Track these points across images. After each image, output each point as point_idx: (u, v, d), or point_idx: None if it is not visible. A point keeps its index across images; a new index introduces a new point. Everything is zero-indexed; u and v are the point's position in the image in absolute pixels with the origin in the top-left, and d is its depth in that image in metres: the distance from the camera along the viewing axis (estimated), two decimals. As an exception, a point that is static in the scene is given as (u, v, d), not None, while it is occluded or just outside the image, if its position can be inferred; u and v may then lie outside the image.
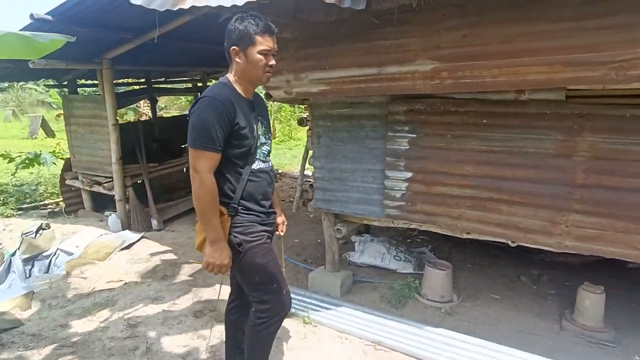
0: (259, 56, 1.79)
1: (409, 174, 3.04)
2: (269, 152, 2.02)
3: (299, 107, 19.23)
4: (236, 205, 1.85)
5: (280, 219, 2.24)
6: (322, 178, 3.47)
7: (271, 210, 2.03)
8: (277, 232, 2.19)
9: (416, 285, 3.48)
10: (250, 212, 1.89)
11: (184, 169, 6.87)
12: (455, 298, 3.36)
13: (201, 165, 1.72)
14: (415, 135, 2.98)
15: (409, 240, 4.74)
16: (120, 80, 7.23)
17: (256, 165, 1.90)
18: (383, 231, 4.87)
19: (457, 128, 2.85)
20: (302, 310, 3.14)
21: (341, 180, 3.37)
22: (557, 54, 2.19)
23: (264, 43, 1.79)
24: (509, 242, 2.82)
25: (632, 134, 2.36)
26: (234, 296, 2.25)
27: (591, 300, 2.85)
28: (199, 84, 8.02)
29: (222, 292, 2.48)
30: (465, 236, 3.03)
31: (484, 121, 2.75)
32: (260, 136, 1.93)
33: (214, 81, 9.98)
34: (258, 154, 1.91)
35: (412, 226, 3.25)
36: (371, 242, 4.17)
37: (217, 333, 2.92)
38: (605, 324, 2.86)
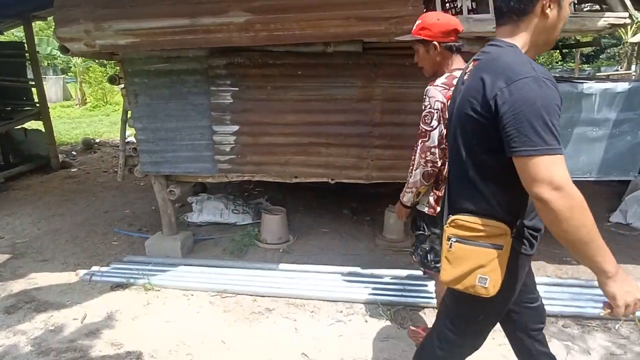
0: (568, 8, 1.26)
1: (235, 127, 3.11)
2: None
3: (112, 66, 16.88)
4: (518, 226, 1.29)
5: None
6: (147, 140, 3.25)
7: None
8: None
9: (255, 233, 3.69)
10: (530, 237, 1.33)
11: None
12: (291, 238, 3.70)
13: (562, 175, 1.10)
14: (237, 89, 3.04)
15: (246, 193, 4.91)
16: None
17: None
18: (220, 188, 4.91)
19: (276, 80, 3.02)
20: (142, 277, 3.01)
21: (168, 140, 3.23)
22: (352, 9, 2.49)
23: None
24: (330, 180, 3.22)
25: (410, 79, 2.90)
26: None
27: (394, 219, 3.52)
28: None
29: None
30: (293, 180, 3.31)
31: (299, 72, 2.98)
32: None
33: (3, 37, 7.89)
34: None
35: (246, 178, 3.39)
36: (208, 200, 4.18)
37: (40, 324, 2.59)
38: (405, 235, 3.59)
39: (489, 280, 1.27)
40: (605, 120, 2.83)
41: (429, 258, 2.16)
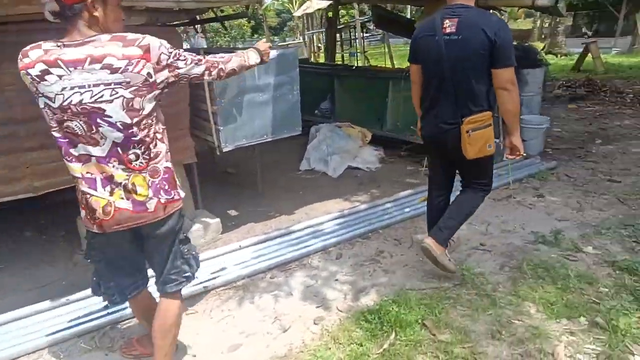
0: None
1: None
2: None
3: None
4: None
5: None
6: None
7: None
8: None
9: None
10: None
11: None
12: (-60, 295, 2.63)
13: (515, 80, 2.15)
14: None
15: None
16: None
17: None
18: None
19: None
20: None
21: None
22: None
23: None
24: (-29, 205, 2.38)
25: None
26: (445, 189, 2.61)
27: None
28: None
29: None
30: None
31: None
32: None
33: None
34: None
35: None
36: None
37: None
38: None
39: (491, 144, 2.24)
40: (267, 85, 3.12)
41: (100, 285, 1.86)
